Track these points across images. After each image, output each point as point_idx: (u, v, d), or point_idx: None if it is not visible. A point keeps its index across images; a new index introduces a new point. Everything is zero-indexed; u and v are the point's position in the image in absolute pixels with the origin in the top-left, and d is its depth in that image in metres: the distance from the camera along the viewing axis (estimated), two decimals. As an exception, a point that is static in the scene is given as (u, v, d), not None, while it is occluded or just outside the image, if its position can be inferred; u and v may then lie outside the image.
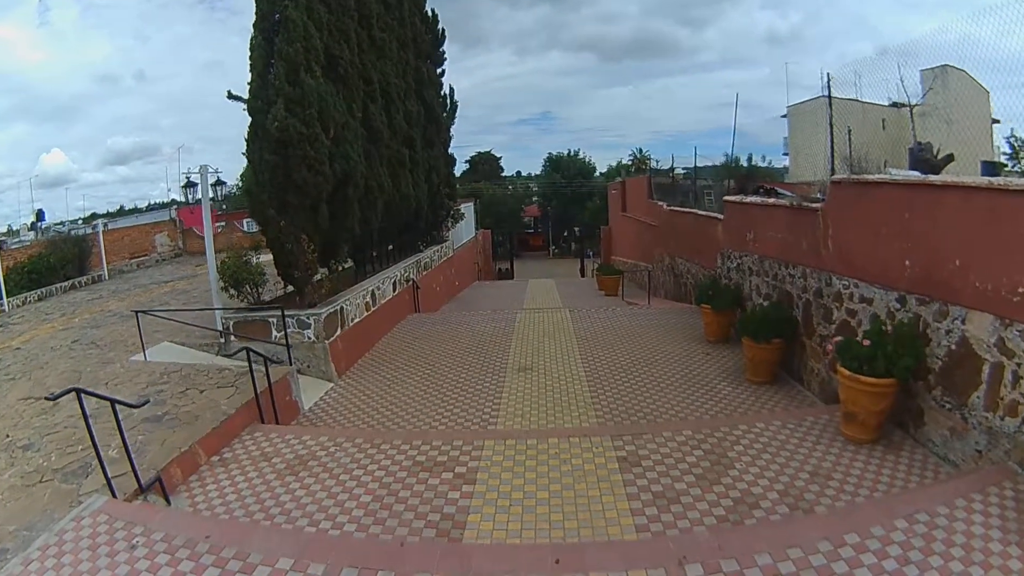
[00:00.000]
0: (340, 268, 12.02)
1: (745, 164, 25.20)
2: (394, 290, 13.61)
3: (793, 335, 8.70)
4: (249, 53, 10.61)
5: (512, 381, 9.10)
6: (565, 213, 66.43)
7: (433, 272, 18.30)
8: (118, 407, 5.37)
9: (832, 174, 9.24)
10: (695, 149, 22.65)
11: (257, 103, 10.50)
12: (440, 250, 19.84)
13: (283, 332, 9.54)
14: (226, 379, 8.33)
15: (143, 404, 5.70)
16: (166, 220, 31.16)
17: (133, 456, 5.49)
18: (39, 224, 35.69)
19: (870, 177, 7.38)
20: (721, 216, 12.42)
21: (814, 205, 8.40)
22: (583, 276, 39.43)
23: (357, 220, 12.31)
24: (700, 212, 15.05)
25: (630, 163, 58.86)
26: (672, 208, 17.88)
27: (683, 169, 23.94)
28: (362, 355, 11.09)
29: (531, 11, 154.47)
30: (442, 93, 20.91)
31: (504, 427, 7.37)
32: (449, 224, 21.66)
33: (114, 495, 5.18)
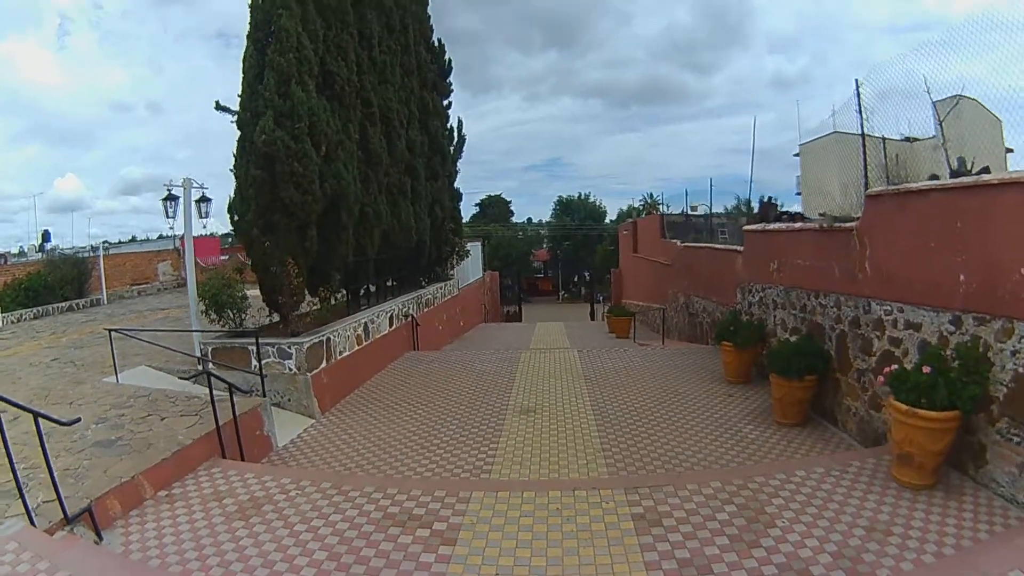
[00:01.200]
0: (332, 298, 11.20)
1: (757, 206, 24.56)
2: (391, 325, 12.78)
3: (825, 371, 7.80)
4: (241, 64, 10.08)
5: (512, 424, 8.17)
6: (575, 256, 65.89)
7: (435, 310, 17.49)
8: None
9: (866, 187, 8.46)
10: (710, 181, 21.88)
11: (246, 115, 9.92)
12: (444, 288, 19.05)
13: (259, 360, 8.67)
14: (193, 407, 7.53)
15: (74, 422, 4.94)
16: (170, 249, 30.73)
17: (68, 480, 4.97)
18: (45, 245, 35.63)
19: (914, 185, 6.58)
20: (740, 248, 11.60)
21: (847, 225, 7.59)
22: (593, 320, 38.54)
23: (351, 247, 11.57)
24: (717, 246, 14.27)
25: (640, 207, 58.40)
26: (686, 244, 17.08)
27: (693, 210, 23.21)
28: (350, 391, 10.20)
29: (541, 57, 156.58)
30: (448, 125, 20.51)
31: (499, 476, 6.41)
32: (454, 261, 20.92)
33: (32, 523, 4.44)
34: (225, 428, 6.92)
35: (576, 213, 67.77)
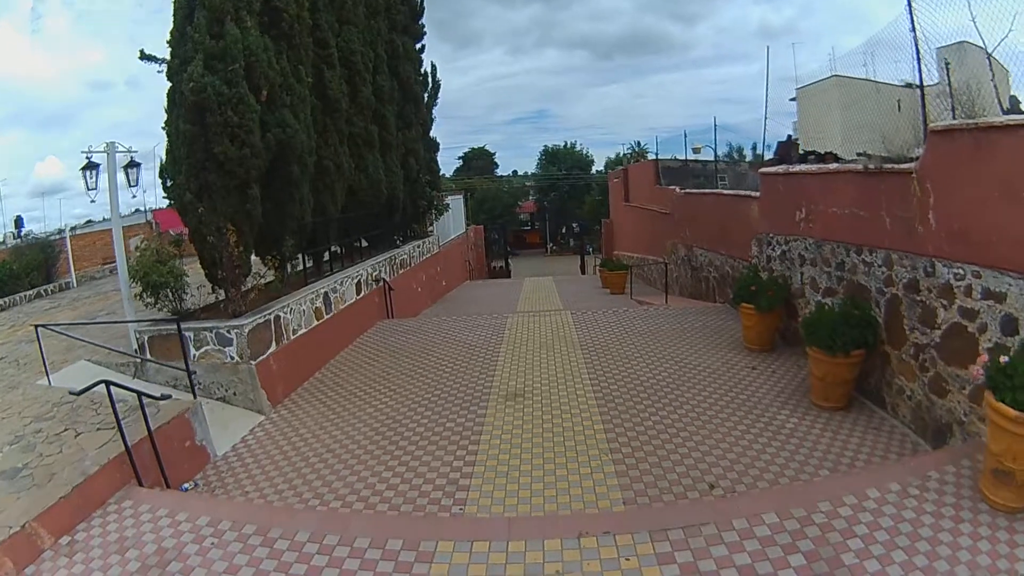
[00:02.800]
0: (285, 267, 9.66)
1: (750, 153, 23.04)
2: (358, 292, 11.25)
3: (873, 344, 6.43)
4: (172, 5, 8.40)
5: (496, 414, 6.76)
6: (563, 208, 64.12)
7: (413, 270, 15.94)
8: None
9: (925, 122, 6.99)
10: (714, 120, 19.85)
11: (175, 63, 8.29)
12: (422, 245, 17.48)
13: (185, 351, 7.19)
14: (108, 420, 6.02)
15: None
16: (142, 223, 28.96)
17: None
18: (19, 231, 33.94)
19: (997, 119, 5.11)
20: (756, 194, 10.11)
21: (903, 167, 6.13)
22: (584, 273, 37.08)
23: (308, 207, 10.00)
24: (726, 191, 12.79)
25: (629, 155, 56.37)
26: (688, 191, 15.49)
27: (696, 152, 21.53)
28: (309, 375, 8.76)
29: (524, 10, 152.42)
30: (422, 70, 18.75)
31: (476, 508, 4.94)
32: (433, 216, 19.33)
33: None
34: (141, 446, 5.57)
35: (563, 163, 65.63)
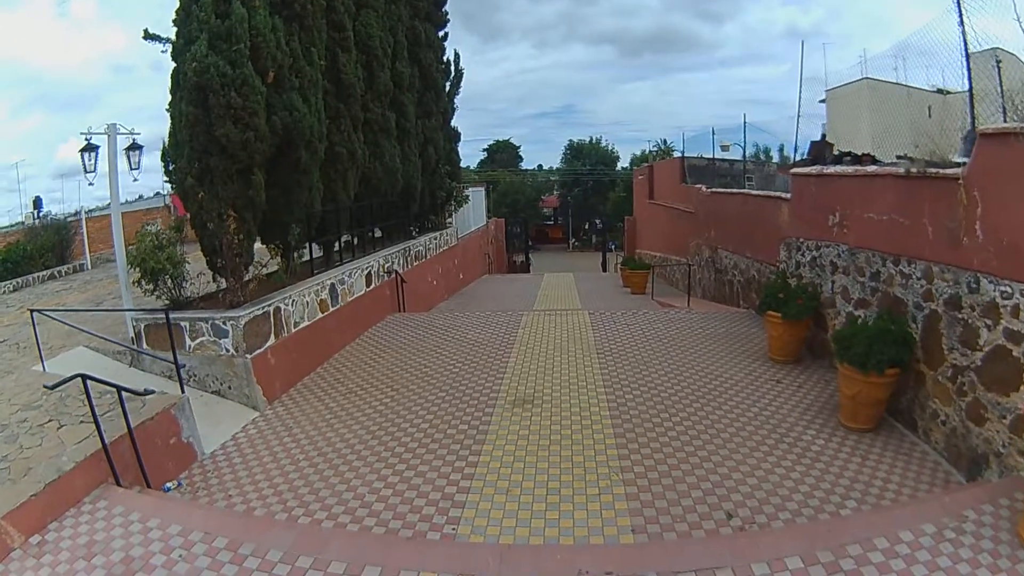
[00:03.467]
0: (291, 256, 9.31)
1: (777, 155, 22.35)
2: (368, 284, 10.89)
3: (908, 363, 5.95)
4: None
5: (502, 422, 6.36)
6: (586, 203, 63.40)
7: (429, 263, 15.57)
8: None
9: (973, 125, 6.47)
10: (744, 116, 19.23)
11: (180, 43, 7.99)
12: (439, 237, 17.11)
13: (173, 342, 6.87)
14: (100, 407, 5.72)
15: None
16: (160, 207, 28.91)
17: None
18: (37, 212, 34.13)
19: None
20: (786, 195, 9.60)
21: (948, 172, 5.63)
22: (605, 271, 36.54)
23: (317, 194, 9.66)
24: (755, 192, 12.25)
25: (655, 152, 55.56)
26: (714, 191, 14.94)
27: (724, 150, 20.88)
28: (310, 370, 8.42)
29: (551, 4, 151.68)
30: (444, 59, 18.34)
31: (469, 529, 4.50)
32: (452, 207, 18.94)
33: None
34: (121, 444, 5.31)
35: (587, 158, 64.91)
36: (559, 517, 4.58)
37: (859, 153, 8.22)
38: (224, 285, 8.33)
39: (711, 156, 21.79)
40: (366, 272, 10.83)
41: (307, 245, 9.71)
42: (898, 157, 7.49)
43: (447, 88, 18.57)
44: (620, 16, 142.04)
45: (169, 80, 8.07)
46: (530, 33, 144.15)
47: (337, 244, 11.29)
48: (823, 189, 8.11)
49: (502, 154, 69.91)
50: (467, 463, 5.47)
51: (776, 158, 22.30)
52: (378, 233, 14.03)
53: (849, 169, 7.59)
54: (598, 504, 4.74)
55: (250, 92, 7.66)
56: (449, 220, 19.41)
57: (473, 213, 24.25)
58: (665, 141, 54.79)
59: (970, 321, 5.21)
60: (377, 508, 4.81)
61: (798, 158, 10.96)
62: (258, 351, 7.30)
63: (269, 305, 7.62)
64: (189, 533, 4.20)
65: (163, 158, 8.46)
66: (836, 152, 8.71)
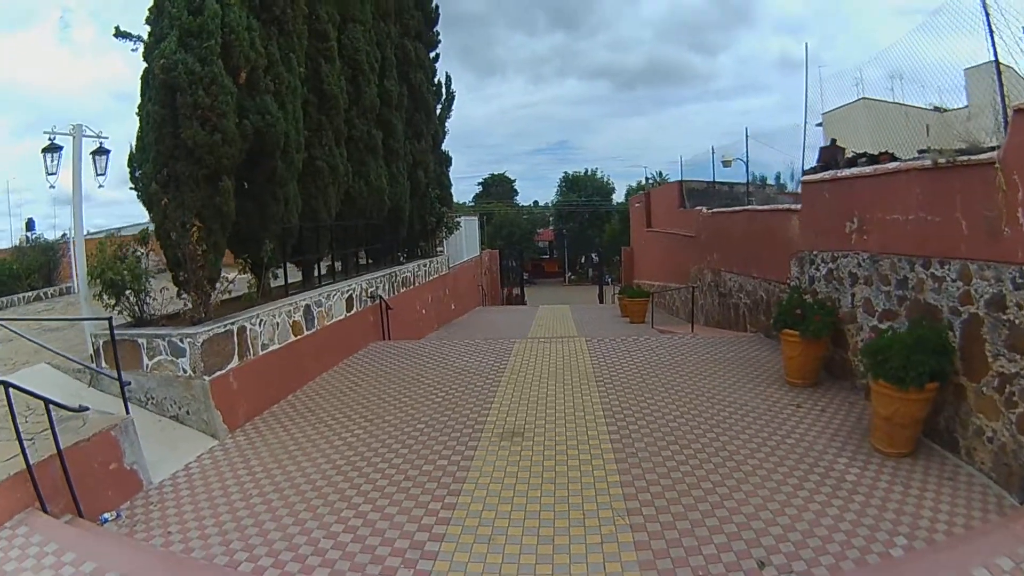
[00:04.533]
0: (263, 272, 8.60)
1: (774, 182, 21.96)
2: (349, 308, 10.16)
3: (948, 374, 5.26)
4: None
5: (487, 457, 5.57)
6: (582, 236, 63.11)
7: (417, 290, 14.86)
8: None
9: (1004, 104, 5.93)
10: (746, 131, 18.52)
11: (151, 40, 7.45)
12: (429, 265, 16.44)
13: (115, 358, 6.12)
14: (32, 429, 5.00)
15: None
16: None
17: None
18: (30, 233, 33.65)
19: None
20: (795, 207, 8.99)
21: (981, 157, 5.05)
22: (602, 302, 35.82)
23: (295, 208, 9.04)
24: (760, 207, 11.65)
25: (651, 183, 55.25)
26: (716, 211, 14.34)
27: (726, 165, 20.37)
28: (280, 397, 7.66)
29: (546, 39, 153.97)
30: (435, 80, 17.99)
31: None
32: (443, 234, 18.33)
33: None
34: (51, 465, 4.60)
35: (583, 189, 64.70)
36: (552, 572, 3.82)
37: (875, 153, 7.60)
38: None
39: (710, 180, 21.32)
40: (347, 295, 10.10)
41: (283, 264, 9.00)
42: (919, 152, 6.88)
43: (438, 111, 18.18)
44: (614, 50, 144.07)
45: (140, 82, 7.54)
46: (525, 68, 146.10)
47: (317, 266, 10.60)
48: (838, 195, 7.49)
49: (497, 187, 69.82)
50: (444, 504, 4.67)
51: (773, 183, 21.93)
52: (363, 258, 13.41)
53: (867, 169, 6.98)
54: (600, 556, 3.96)
55: (219, 91, 7.10)
56: (440, 248, 18.80)
57: (466, 242, 23.64)
58: (660, 173, 54.57)
59: (1018, 322, 4.59)
60: (332, 556, 4.02)
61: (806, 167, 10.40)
62: (218, 373, 6.56)
63: (232, 324, 6.89)
64: (104, 573, 3.46)
65: (129, 163, 7.82)
66: (851, 154, 8.10)
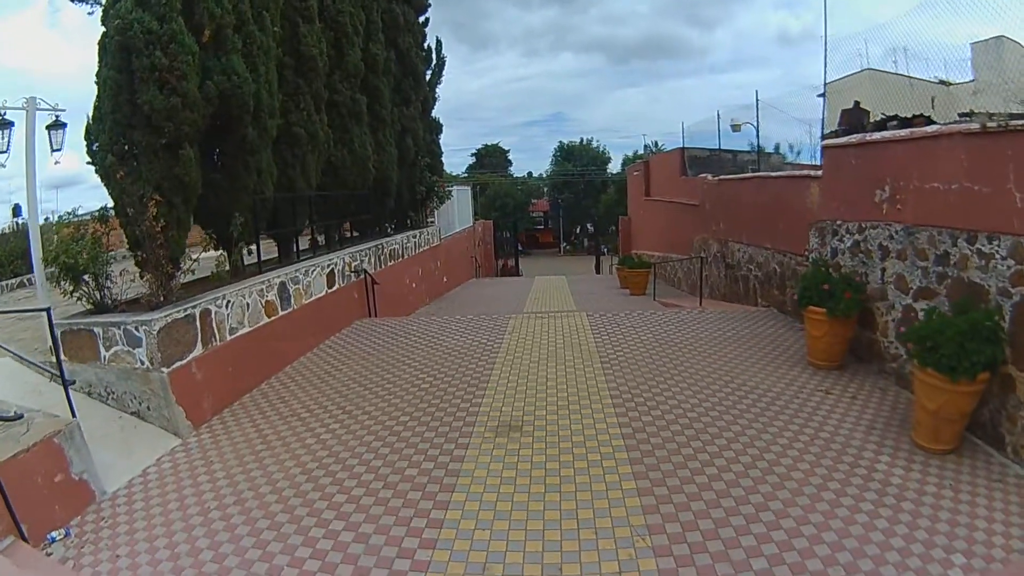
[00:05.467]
0: (232, 249, 7.86)
1: (772, 151, 21.26)
2: (330, 285, 9.46)
3: (998, 364, 4.65)
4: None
5: (479, 459, 4.91)
6: (577, 207, 62.27)
7: (405, 263, 14.15)
8: None
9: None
10: (756, 93, 17.64)
11: (109, 2, 6.71)
12: (419, 236, 15.71)
13: (58, 351, 5.45)
14: None
15: None
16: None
17: None
18: (18, 219, 32.80)
19: None
20: (815, 172, 8.29)
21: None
22: (599, 273, 35.20)
23: (269, 179, 8.33)
24: (774, 174, 10.94)
25: (647, 153, 54.26)
26: (722, 178, 13.61)
27: (736, 129, 19.53)
28: (253, 385, 7.01)
29: (540, 12, 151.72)
30: (425, 45, 17.13)
31: None
32: (434, 204, 17.58)
33: None
34: None
35: (578, 159, 63.59)
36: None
37: (907, 115, 6.91)
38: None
39: (713, 148, 20.55)
40: (327, 271, 9.38)
41: (255, 239, 8.28)
42: (960, 115, 6.21)
43: (428, 77, 17.36)
44: (609, 24, 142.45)
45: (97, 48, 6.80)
46: (519, 42, 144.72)
47: (296, 241, 9.89)
48: (867, 160, 6.81)
49: (491, 158, 68.75)
50: (428, 520, 4.04)
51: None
52: (349, 230, 12.70)
53: (902, 133, 6.29)
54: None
55: (179, 51, 6.38)
56: (431, 219, 18.07)
57: (458, 213, 22.88)
58: (656, 143, 53.50)
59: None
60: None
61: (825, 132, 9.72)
62: (178, 364, 5.88)
63: (194, 307, 6.18)
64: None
65: (87, 136, 7.07)
66: (881, 116, 7.40)
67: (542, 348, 7.93)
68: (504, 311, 12.18)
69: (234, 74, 7.04)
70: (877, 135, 6.70)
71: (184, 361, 5.96)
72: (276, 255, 9.43)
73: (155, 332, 5.65)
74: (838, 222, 7.34)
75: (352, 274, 10.33)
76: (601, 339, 8.18)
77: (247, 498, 4.49)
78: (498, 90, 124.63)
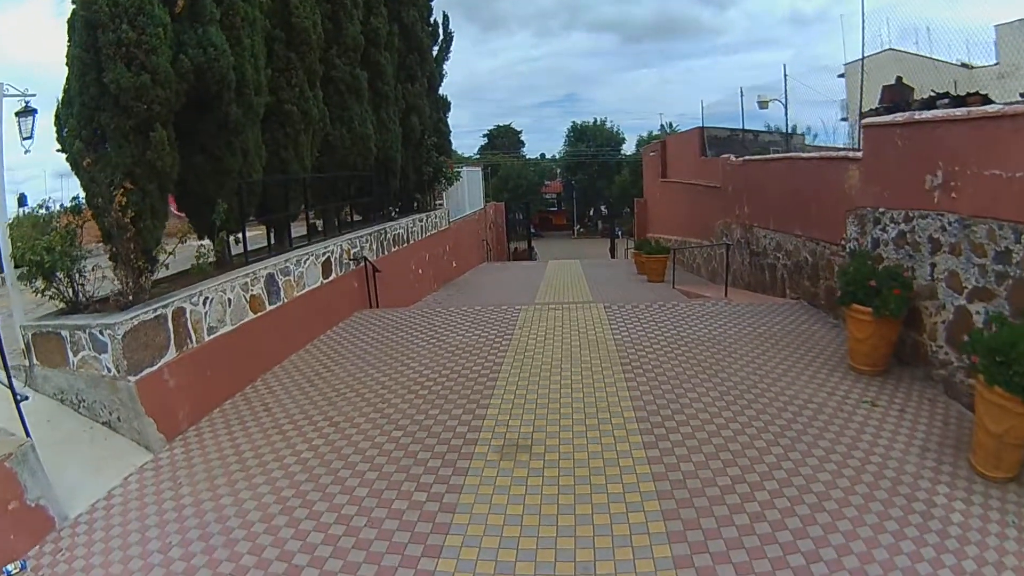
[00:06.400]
0: (217, 237, 7.23)
1: (788, 131, 20.53)
2: (326, 274, 8.89)
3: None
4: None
5: (480, 488, 4.32)
6: (591, 188, 61.48)
7: (412, 248, 13.59)
8: None
9: None
10: (783, 68, 16.74)
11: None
12: (426, 220, 15.15)
13: (1, 358, 4.91)
14: None
15: None
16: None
17: None
18: (23, 209, 32.66)
19: None
20: (854, 154, 7.64)
21: None
22: (613, 257, 34.52)
23: (258, 161, 7.79)
24: (805, 154, 10.29)
25: (662, 133, 53.24)
26: (748, 158, 12.90)
27: (763, 106, 18.81)
28: (236, 390, 6.48)
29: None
30: (431, 20, 16.53)
31: None
32: (442, 186, 16.98)
33: None
34: None
35: (592, 140, 62.59)
36: None
37: (960, 93, 6.25)
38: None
39: (733, 128, 19.83)
40: (323, 259, 8.82)
41: (241, 226, 7.73)
42: (1022, 95, 5.56)
43: (435, 53, 16.76)
44: (621, 3, 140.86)
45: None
46: (531, 21, 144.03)
47: (288, 227, 9.34)
48: (915, 142, 6.15)
49: (503, 139, 68.03)
50: (417, 572, 3.52)
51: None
52: (350, 214, 12.17)
53: (958, 112, 5.63)
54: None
55: (148, 23, 5.83)
56: (439, 201, 17.50)
57: (468, 195, 22.28)
58: (671, 124, 52.41)
59: None
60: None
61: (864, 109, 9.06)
62: (148, 370, 5.36)
63: (166, 306, 5.65)
64: None
65: (56, 121, 6.55)
66: (932, 92, 6.74)
67: (555, 346, 7.31)
68: (515, 300, 11.61)
69: (210, 46, 6.46)
70: (927, 114, 6.05)
71: (155, 367, 5.45)
72: (267, 243, 8.86)
73: (119, 336, 5.13)
74: (881, 209, 6.70)
75: (351, 262, 9.78)
76: (621, 336, 7.57)
77: (213, 532, 3.96)
78: (511, 71, 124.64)
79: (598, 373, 6.37)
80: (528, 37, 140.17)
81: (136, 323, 5.30)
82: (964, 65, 9.62)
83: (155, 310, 5.52)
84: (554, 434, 5.08)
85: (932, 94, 6.72)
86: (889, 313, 5.68)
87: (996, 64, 9.10)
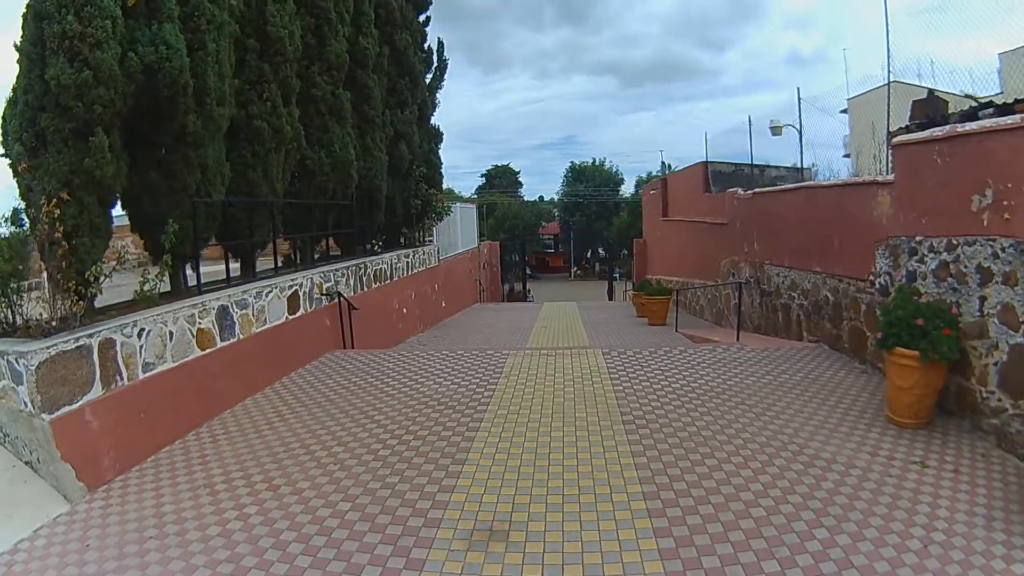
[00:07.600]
0: (168, 262, 6.50)
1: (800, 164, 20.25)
2: (293, 310, 8.15)
3: None
4: None
5: None
6: (589, 229, 61.40)
7: (395, 285, 12.90)
8: None
9: None
10: (797, 91, 16.13)
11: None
12: (412, 256, 14.52)
13: None
14: None
15: None
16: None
17: None
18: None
19: None
20: (884, 180, 7.05)
21: None
22: (611, 299, 33.94)
23: (219, 181, 7.19)
24: (824, 183, 9.72)
25: (661, 173, 53.15)
26: (757, 191, 12.29)
27: (776, 133, 18.48)
28: (176, 437, 5.72)
29: (553, 33, 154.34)
30: (425, 46, 16.23)
31: None
32: (432, 220, 16.41)
33: None
34: None
35: (590, 180, 62.63)
36: None
37: (1007, 101, 5.69)
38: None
39: (737, 162, 19.45)
40: (288, 292, 8.09)
41: (195, 250, 7.07)
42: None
43: (428, 80, 16.41)
44: (622, 46, 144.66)
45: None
46: (531, 63, 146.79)
47: (253, 255, 8.69)
48: (960, 158, 5.56)
49: (501, 179, 68.41)
50: None
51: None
52: (329, 247, 11.55)
53: (1008, 120, 5.05)
54: None
55: (95, 15, 5.31)
56: (429, 238, 16.94)
57: (462, 232, 21.77)
58: (669, 165, 52.35)
59: None
60: None
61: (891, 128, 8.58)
62: (67, 408, 4.63)
63: (91, 336, 4.93)
64: None
65: (2, 122, 5.96)
66: (977, 102, 6.17)
67: (545, 399, 6.48)
68: (505, 343, 10.89)
69: (163, 44, 5.90)
70: (972, 125, 5.47)
71: (74, 406, 4.72)
72: (225, 271, 8.14)
73: (34, 367, 4.43)
74: (918, 238, 6.09)
75: (323, 297, 9.08)
76: (622, 387, 6.79)
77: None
78: (511, 112, 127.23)
79: (595, 434, 5.52)
80: (529, 79, 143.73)
81: (54, 353, 4.58)
82: (968, 96, 9.11)
83: (77, 339, 4.80)
84: (539, 515, 4.16)
85: (973, 104, 6.15)
86: (939, 357, 5.00)
87: (1000, 94, 8.84)
